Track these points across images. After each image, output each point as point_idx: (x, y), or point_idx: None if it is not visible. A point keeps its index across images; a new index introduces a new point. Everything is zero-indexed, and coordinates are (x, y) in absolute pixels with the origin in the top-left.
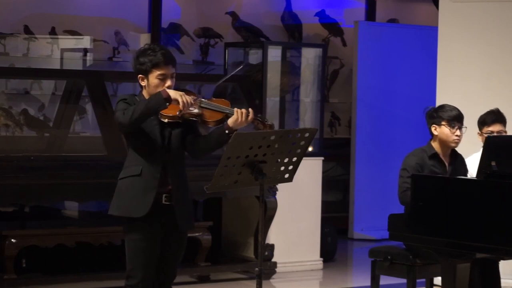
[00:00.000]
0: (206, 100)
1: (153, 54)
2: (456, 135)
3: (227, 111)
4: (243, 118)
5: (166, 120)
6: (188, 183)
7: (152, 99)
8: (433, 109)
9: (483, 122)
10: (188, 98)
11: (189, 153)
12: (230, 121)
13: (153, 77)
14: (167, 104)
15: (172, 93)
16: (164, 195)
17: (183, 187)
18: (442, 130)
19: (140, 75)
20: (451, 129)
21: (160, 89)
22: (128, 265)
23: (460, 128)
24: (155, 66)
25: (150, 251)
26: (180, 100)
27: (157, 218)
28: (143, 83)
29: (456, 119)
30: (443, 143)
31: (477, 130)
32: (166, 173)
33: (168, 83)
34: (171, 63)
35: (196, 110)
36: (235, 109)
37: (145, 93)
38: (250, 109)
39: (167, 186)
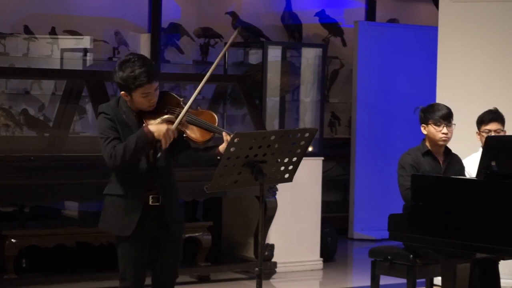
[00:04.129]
0: (194, 116)
1: (133, 74)
2: (443, 133)
3: (216, 131)
4: None
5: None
6: (177, 188)
7: (138, 141)
8: (423, 109)
9: (481, 121)
10: (171, 134)
11: (177, 162)
12: (221, 148)
13: (137, 96)
14: (154, 142)
15: (156, 133)
16: (151, 196)
17: (171, 191)
18: (429, 129)
19: (122, 92)
20: (436, 128)
21: (144, 106)
22: (120, 268)
23: (447, 125)
24: (138, 87)
25: (138, 257)
26: (163, 141)
27: (145, 222)
28: (127, 99)
29: (441, 117)
30: (432, 141)
31: (476, 130)
32: (153, 179)
33: (153, 99)
34: (154, 78)
35: (184, 127)
36: (224, 133)
37: (128, 102)
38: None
39: (154, 190)
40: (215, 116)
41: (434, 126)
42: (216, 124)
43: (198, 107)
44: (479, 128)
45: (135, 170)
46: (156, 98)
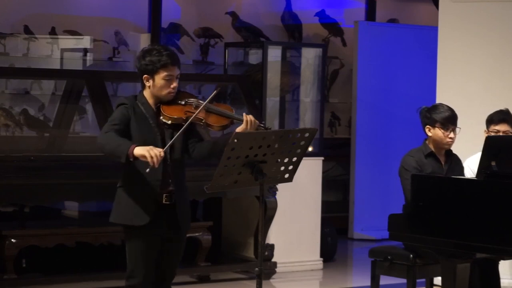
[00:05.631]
0: (212, 105)
1: (160, 55)
2: (450, 137)
3: (233, 117)
4: (252, 126)
5: (170, 122)
6: (187, 186)
7: (120, 146)
8: (427, 109)
9: (490, 120)
10: (156, 152)
11: (190, 156)
12: (239, 129)
13: (160, 78)
14: (130, 159)
15: (138, 150)
16: (164, 195)
17: (183, 188)
18: (436, 132)
19: (145, 75)
20: (444, 132)
21: (165, 91)
22: (129, 265)
23: (453, 130)
24: (163, 67)
25: (150, 253)
26: (147, 155)
27: (157, 219)
28: (148, 84)
29: (449, 121)
30: (437, 144)
31: (477, 130)
32: (167, 175)
33: (174, 84)
34: (177, 64)
35: (202, 114)
36: (244, 115)
37: (147, 94)
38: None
39: (168, 187)
40: (232, 108)
41: (442, 130)
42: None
43: (215, 102)
44: (487, 127)
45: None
46: (177, 84)
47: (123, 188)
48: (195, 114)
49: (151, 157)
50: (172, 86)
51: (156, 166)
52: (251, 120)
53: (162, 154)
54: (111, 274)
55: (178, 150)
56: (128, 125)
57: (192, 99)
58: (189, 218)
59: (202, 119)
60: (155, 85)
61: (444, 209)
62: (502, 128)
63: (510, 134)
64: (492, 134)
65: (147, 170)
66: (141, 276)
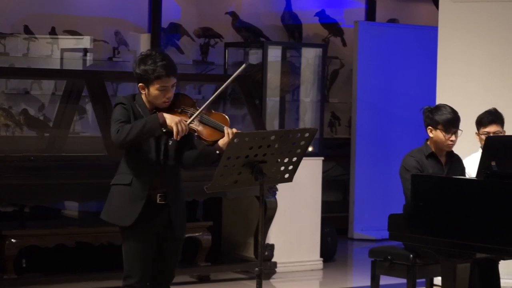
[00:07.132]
0: (206, 116)
1: (154, 66)
2: (451, 140)
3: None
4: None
5: (164, 130)
6: (183, 187)
7: (148, 123)
8: (430, 110)
9: (479, 122)
10: (183, 126)
11: (181, 165)
12: (220, 142)
13: (154, 89)
14: (163, 129)
15: (169, 120)
16: (158, 194)
17: (177, 189)
18: (437, 134)
19: (140, 84)
20: (446, 134)
21: (160, 100)
22: (125, 265)
23: (455, 132)
24: (157, 78)
25: (145, 252)
26: (175, 129)
27: (151, 218)
28: (143, 92)
29: (451, 123)
30: (438, 145)
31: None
32: (161, 176)
33: (169, 94)
34: (173, 74)
35: (196, 125)
36: (225, 128)
37: (144, 98)
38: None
39: (162, 188)
40: (227, 118)
41: (444, 133)
42: (229, 125)
43: (212, 110)
44: (478, 129)
45: (143, 161)
46: (172, 94)
47: (114, 187)
48: (189, 121)
49: (177, 132)
50: (166, 96)
51: (178, 139)
52: (232, 133)
53: (187, 129)
54: (111, 274)
55: (172, 157)
56: (130, 119)
57: (189, 108)
58: (185, 219)
59: (195, 131)
60: (150, 94)
61: (444, 209)
62: (492, 129)
63: (502, 133)
64: (483, 136)
65: (170, 142)
66: (138, 276)
